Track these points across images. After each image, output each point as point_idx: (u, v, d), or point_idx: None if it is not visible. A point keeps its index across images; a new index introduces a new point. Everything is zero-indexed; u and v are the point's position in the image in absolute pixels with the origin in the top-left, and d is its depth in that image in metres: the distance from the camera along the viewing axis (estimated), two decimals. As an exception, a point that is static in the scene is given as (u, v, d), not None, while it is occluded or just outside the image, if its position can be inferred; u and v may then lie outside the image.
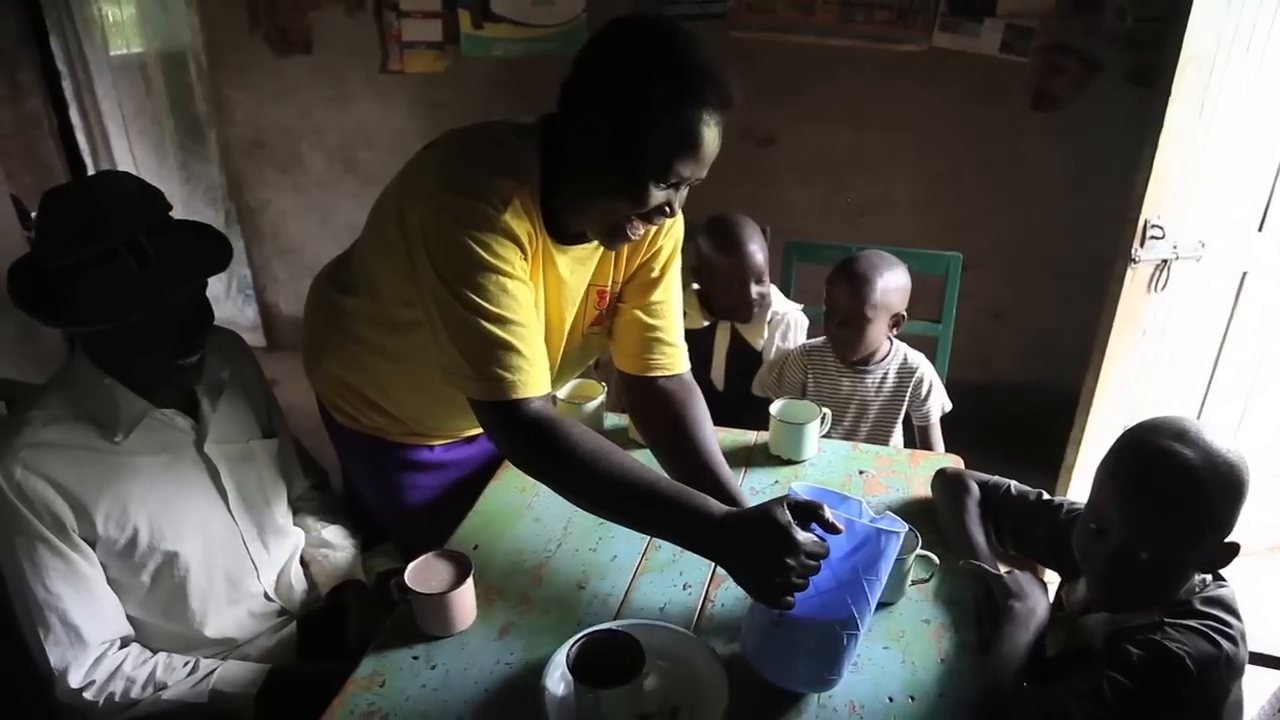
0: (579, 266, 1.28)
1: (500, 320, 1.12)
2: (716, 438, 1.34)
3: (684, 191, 1.16)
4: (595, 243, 1.26)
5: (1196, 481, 0.98)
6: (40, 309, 1.12)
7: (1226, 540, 1.02)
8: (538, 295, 1.25)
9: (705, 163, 1.11)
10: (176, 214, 1.24)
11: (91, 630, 1.18)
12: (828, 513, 0.99)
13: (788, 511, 0.99)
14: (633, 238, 1.19)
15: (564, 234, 1.23)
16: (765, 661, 1.06)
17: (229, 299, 3.60)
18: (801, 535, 0.98)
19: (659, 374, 1.39)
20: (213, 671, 1.25)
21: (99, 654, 1.19)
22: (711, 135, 1.08)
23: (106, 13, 3.19)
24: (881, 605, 1.19)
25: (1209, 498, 0.99)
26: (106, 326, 1.12)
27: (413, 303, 1.22)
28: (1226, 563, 1.04)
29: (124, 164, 3.33)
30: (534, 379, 1.14)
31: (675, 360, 1.40)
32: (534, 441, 1.14)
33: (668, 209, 1.15)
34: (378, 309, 1.32)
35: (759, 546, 0.98)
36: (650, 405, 1.39)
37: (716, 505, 1.06)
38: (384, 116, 3.14)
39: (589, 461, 1.11)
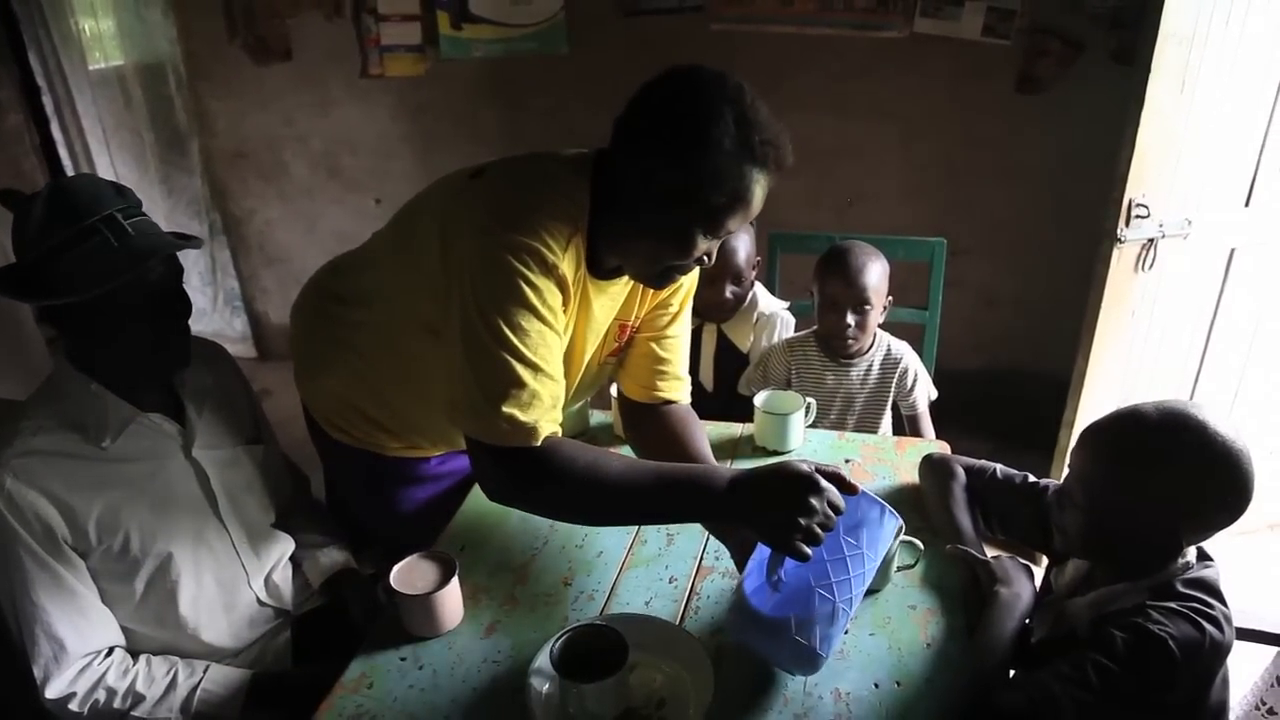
0: (610, 302, 1.28)
1: (532, 366, 1.09)
2: (710, 453, 1.35)
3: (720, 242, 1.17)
4: (626, 278, 1.26)
5: (1144, 428, 1.01)
6: (23, 289, 1.14)
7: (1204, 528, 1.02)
8: (569, 329, 1.24)
9: (748, 220, 1.13)
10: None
11: (75, 642, 1.18)
12: (845, 472, 1.00)
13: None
14: (676, 281, 1.21)
15: (601, 269, 1.22)
16: (754, 637, 1.02)
17: (216, 312, 3.58)
18: (825, 480, 0.99)
19: (663, 400, 1.41)
20: (194, 689, 1.24)
21: (82, 665, 1.19)
22: (762, 194, 1.09)
23: (84, 26, 3.18)
24: (868, 591, 1.18)
25: (1160, 453, 1.00)
26: (95, 294, 1.13)
27: (437, 329, 1.18)
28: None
29: (105, 177, 3.31)
30: (549, 428, 1.11)
31: (679, 390, 1.43)
32: (532, 478, 1.12)
33: (706, 258, 1.16)
34: (391, 325, 1.29)
35: (783, 489, 0.99)
36: (651, 424, 1.41)
37: (726, 469, 1.07)
38: (366, 121, 3.13)
39: (591, 478, 1.10)
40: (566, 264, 1.13)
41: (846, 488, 1.00)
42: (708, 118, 1.03)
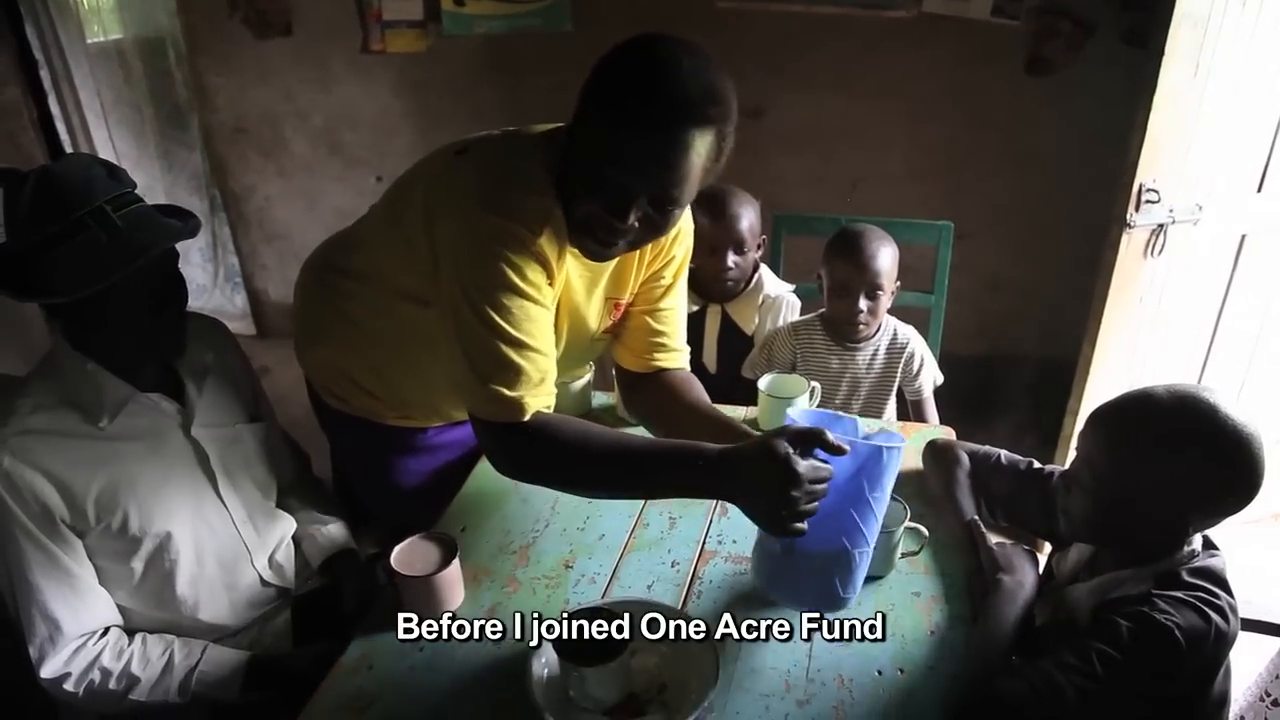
0: (586, 271, 1.27)
1: (517, 344, 1.12)
2: (711, 405, 1.35)
3: (675, 212, 1.13)
4: None
5: (1154, 411, 1.00)
6: (15, 286, 1.12)
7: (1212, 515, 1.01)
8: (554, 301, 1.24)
9: (682, 182, 1.08)
10: (159, 203, 1.23)
11: (70, 623, 1.18)
12: (830, 436, 0.98)
13: (786, 442, 0.98)
14: (612, 251, 1.18)
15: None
16: (778, 588, 1.08)
17: (216, 288, 3.56)
18: (802, 465, 0.97)
19: (660, 369, 1.41)
20: (192, 670, 1.25)
21: (77, 645, 1.19)
22: (704, 152, 1.06)
23: (81, -1, 3.14)
24: (871, 578, 1.18)
25: (1170, 436, 0.99)
26: (83, 294, 1.12)
27: (426, 300, 1.22)
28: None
29: (104, 153, 3.28)
30: (538, 402, 1.14)
31: (678, 359, 1.43)
32: (525, 451, 1.15)
33: (652, 227, 1.13)
34: (383, 297, 1.32)
35: (762, 481, 0.99)
36: (649, 390, 1.41)
37: (712, 447, 1.06)
38: (367, 97, 3.10)
39: (579, 448, 1.13)
40: (546, 239, 1.13)
41: (832, 449, 0.98)
42: (632, 81, 1.03)
